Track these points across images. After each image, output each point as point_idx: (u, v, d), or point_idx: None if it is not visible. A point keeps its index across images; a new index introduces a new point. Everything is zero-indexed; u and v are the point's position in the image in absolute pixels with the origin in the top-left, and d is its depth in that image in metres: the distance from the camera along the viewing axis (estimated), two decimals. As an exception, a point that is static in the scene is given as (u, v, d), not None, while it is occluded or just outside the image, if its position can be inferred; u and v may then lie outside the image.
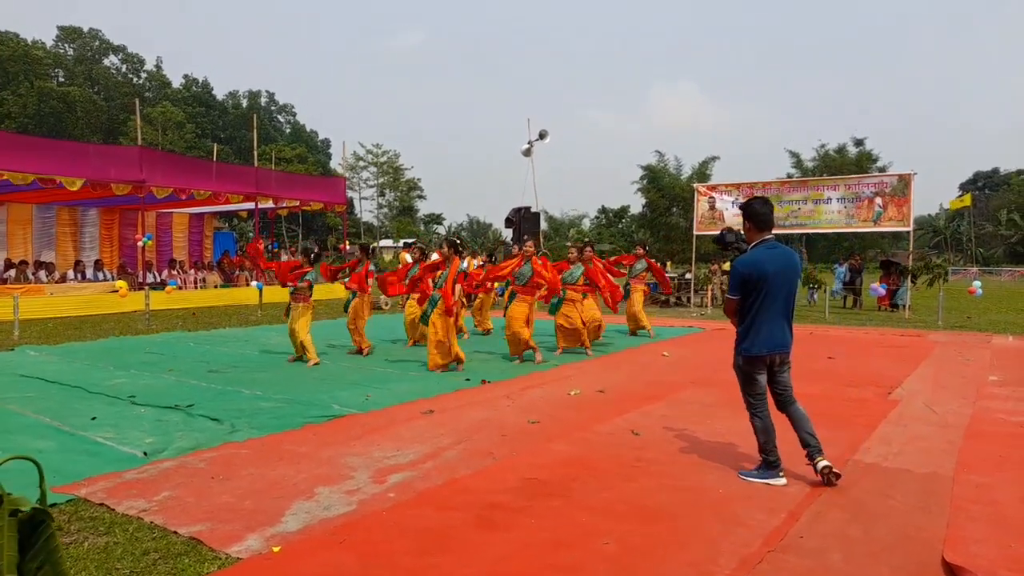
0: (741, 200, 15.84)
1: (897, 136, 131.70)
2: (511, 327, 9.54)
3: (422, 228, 71.14)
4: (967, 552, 3.41)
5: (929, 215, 69.03)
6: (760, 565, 3.28)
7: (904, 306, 17.82)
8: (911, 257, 19.04)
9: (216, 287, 21.38)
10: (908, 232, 17.72)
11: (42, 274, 18.32)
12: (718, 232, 5.14)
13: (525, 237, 11.86)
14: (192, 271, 22.34)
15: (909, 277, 18.09)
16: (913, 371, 8.90)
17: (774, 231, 4.60)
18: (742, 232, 4.71)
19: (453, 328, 8.79)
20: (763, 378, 4.58)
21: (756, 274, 4.41)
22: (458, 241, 9.44)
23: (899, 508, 4.08)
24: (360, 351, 10.12)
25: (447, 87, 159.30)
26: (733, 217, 17.44)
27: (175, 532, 3.62)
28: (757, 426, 4.59)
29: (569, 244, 11.01)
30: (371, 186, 68.68)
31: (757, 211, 4.52)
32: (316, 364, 9.09)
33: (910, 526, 3.80)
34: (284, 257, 25.23)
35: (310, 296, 9.39)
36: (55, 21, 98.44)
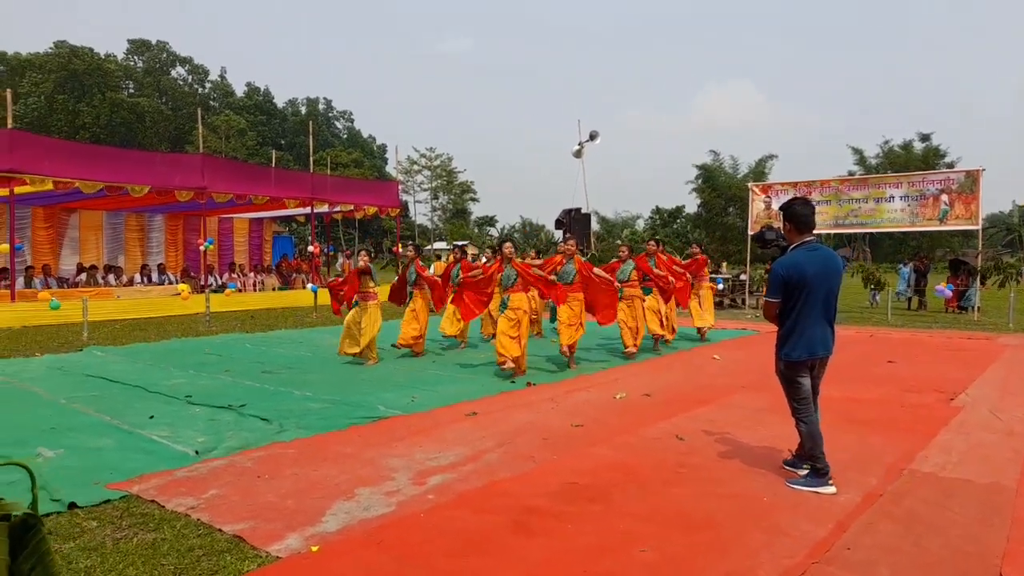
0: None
1: (967, 130, 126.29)
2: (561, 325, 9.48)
3: (475, 230, 71.62)
4: (1028, 569, 3.23)
5: (1002, 212, 65.91)
6: (802, 577, 3.18)
7: (973, 308, 17.05)
8: (980, 257, 18.21)
9: (274, 290, 21.93)
10: (977, 231, 16.97)
11: (111, 278, 19.12)
12: (757, 231, 5.05)
13: (568, 236, 11.72)
14: (252, 274, 22.98)
15: (978, 278, 17.31)
16: (979, 376, 8.51)
17: (833, 231, 4.54)
18: (782, 232, 4.59)
19: (522, 330, 8.69)
20: (807, 382, 4.48)
21: (796, 276, 4.33)
22: (512, 244, 9.42)
23: (956, 520, 3.89)
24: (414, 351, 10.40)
25: (499, 90, 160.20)
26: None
27: (220, 530, 3.72)
28: (803, 432, 4.48)
29: (619, 242, 10.82)
30: (425, 189, 69.66)
31: (798, 212, 4.42)
32: (375, 363, 9.53)
33: (967, 539, 3.63)
34: (340, 259, 25.71)
35: (376, 294, 9.71)
36: (126, 35, 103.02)
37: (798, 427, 4.53)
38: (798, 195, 17.09)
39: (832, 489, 4.34)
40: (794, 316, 4.38)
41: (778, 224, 4.67)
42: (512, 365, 8.53)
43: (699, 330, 12.40)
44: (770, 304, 4.49)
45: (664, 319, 11.04)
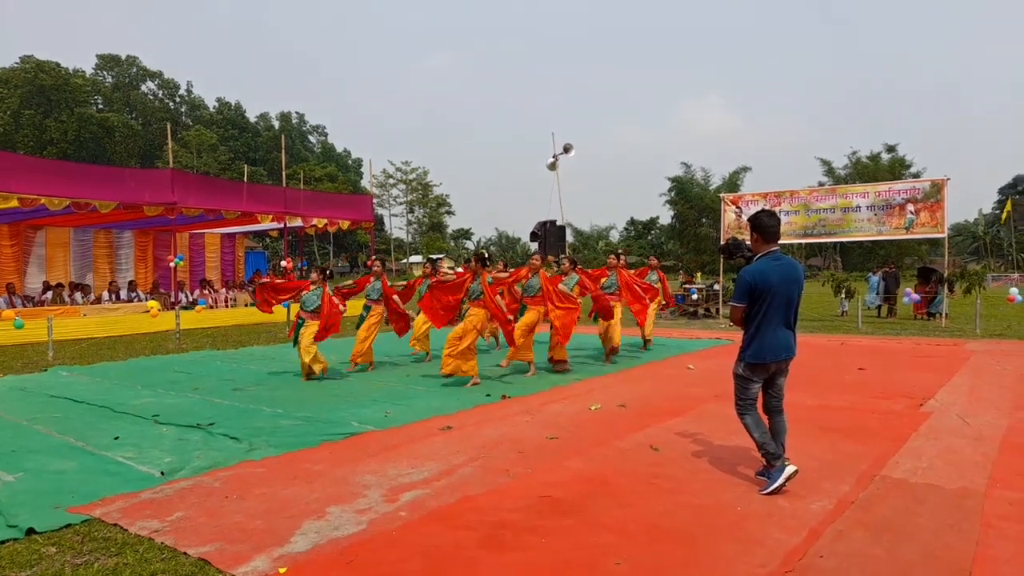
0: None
1: (934, 141, 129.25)
2: (516, 332, 9.49)
3: (451, 243, 71.56)
4: (997, 573, 3.27)
5: (967, 221, 67.39)
6: (775, 587, 3.17)
7: (941, 315, 17.36)
8: (947, 264, 18.57)
9: (246, 306, 21.65)
10: (943, 239, 17.29)
11: (78, 296, 18.74)
12: (723, 243, 5.21)
13: (535, 250, 11.84)
14: (223, 290, 22.68)
15: (946, 285, 17.63)
16: (947, 381, 8.63)
17: (803, 240, 4.71)
18: (748, 243, 4.72)
19: (464, 344, 8.71)
20: (758, 386, 4.70)
21: (762, 284, 4.51)
22: (486, 255, 9.42)
23: (926, 526, 3.92)
24: (366, 365, 10.31)
25: (476, 104, 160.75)
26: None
27: (184, 553, 3.62)
28: (749, 423, 4.69)
29: (563, 256, 10.69)
30: (400, 203, 69.61)
31: (764, 223, 4.61)
32: (324, 368, 9.46)
33: (937, 545, 3.65)
34: (313, 275, 25.40)
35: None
36: (95, 50, 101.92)
37: (742, 420, 4.74)
38: (768, 205, 17.34)
39: (792, 468, 4.50)
40: (758, 321, 4.56)
41: (745, 235, 4.81)
42: (454, 373, 8.72)
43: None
44: (736, 308, 4.69)
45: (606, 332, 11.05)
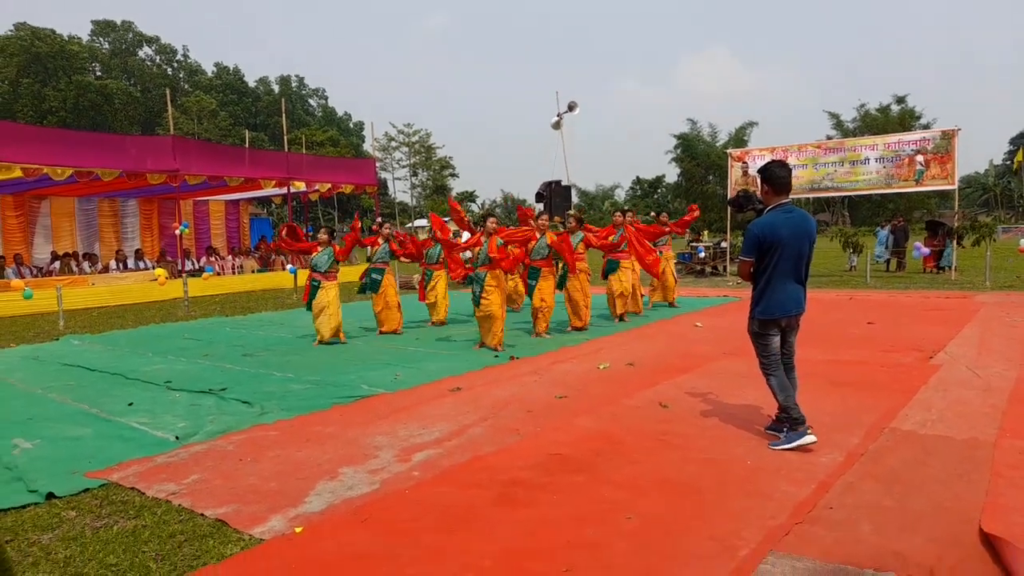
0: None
1: (944, 91, 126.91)
2: (537, 301, 9.51)
3: (455, 206, 71.10)
4: (1006, 521, 3.27)
5: (977, 172, 66.55)
6: (786, 538, 3.20)
7: (950, 267, 17.26)
8: (957, 217, 18.39)
9: (253, 272, 21.70)
10: (953, 191, 17.09)
11: (86, 265, 18.80)
12: (732, 195, 5.12)
13: (540, 211, 11.79)
14: (230, 257, 22.71)
15: (955, 238, 17.49)
16: (957, 334, 8.60)
17: (810, 195, 4.61)
18: (758, 195, 4.63)
19: (494, 308, 8.63)
20: (777, 340, 4.64)
21: (771, 237, 4.43)
22: (494, 218, 9.34)
23: (936, 476, 3.94)
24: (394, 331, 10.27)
25: (478, 64, 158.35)
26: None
27: (201, 514, 3.67)
28: (774, 385, 4.62)
29: (569, 216, 10.66)
30: (404, 166, 69.10)
31: (776, 174, 4.49)
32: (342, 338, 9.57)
33: (947, 495, 3.67)
34: (321, 236, 25.37)
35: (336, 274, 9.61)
36: (88, 15, 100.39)
37: (768, 381, 4.67)
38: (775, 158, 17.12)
39: (812, 438, 4.44)
40: (767, 275, 4.50)
41: (755, 188, 4.71)
42: (494, 343, 8.59)
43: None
44: (744, 263, 4.63)
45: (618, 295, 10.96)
